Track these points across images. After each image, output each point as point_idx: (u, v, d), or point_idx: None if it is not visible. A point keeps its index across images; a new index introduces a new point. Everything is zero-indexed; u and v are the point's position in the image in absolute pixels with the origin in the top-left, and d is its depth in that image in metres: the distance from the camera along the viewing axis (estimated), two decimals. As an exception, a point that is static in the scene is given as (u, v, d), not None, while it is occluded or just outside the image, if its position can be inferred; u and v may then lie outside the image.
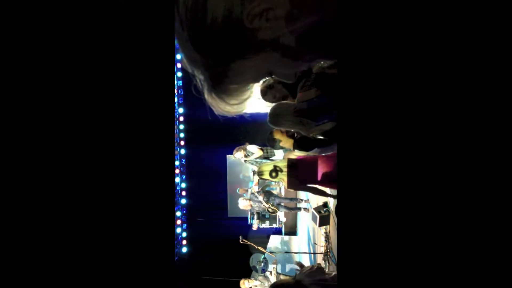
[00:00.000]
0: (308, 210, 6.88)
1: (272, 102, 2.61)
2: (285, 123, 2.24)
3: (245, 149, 6.02)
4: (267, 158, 5.92)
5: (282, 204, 6.75)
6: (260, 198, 6.47)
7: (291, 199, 7.41)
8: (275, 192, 7.80)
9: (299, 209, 7.22)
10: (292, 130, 2.51)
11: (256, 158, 5.96)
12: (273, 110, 2.31)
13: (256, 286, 5.95)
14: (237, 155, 6.07)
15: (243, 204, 6.60)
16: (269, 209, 6.60)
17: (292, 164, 2.91)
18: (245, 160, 6.13)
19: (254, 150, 5.93)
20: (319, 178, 2.89)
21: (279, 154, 5.74)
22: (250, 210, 6.83)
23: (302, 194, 7.73)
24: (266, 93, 2.69)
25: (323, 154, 2.76)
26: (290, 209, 7.19)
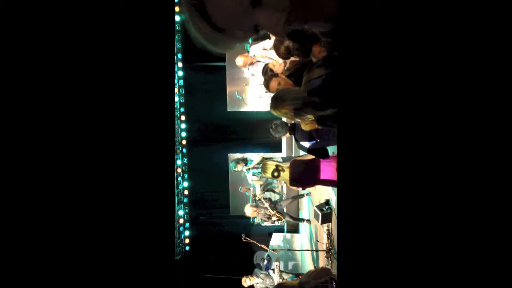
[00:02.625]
0: (310, 222, 6.96)
1: (275, 91, 2.58)
2: (291, 103, 2.14)
3: (244, 160, 6.04)
4: None
5: (285, 210, 6.84)
6: (266, 204, 6.55)
7: (293, 197, 7.46)
8: (277, 190, 7.85)
9: (302, 220, 7.32)
10: (296, 118, 2.39)
11: (256, 165, 5.97)
12: (277, 93, 2.26)
13: (257, 283, 5.97)
14: (238, 168, 6.09)
15: (250, 211, 6.68)
16: (274, 216, 6.69)
17: (294, 164, 2.92)
18: (247, 169, 6.15)
19: (254, 157, 5.94)
20: (319, 178, 2.90)
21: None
22: (256, 217, 6.92)
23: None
24: (269, 83, 2.66)
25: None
26: (293, 219, 7.29)
